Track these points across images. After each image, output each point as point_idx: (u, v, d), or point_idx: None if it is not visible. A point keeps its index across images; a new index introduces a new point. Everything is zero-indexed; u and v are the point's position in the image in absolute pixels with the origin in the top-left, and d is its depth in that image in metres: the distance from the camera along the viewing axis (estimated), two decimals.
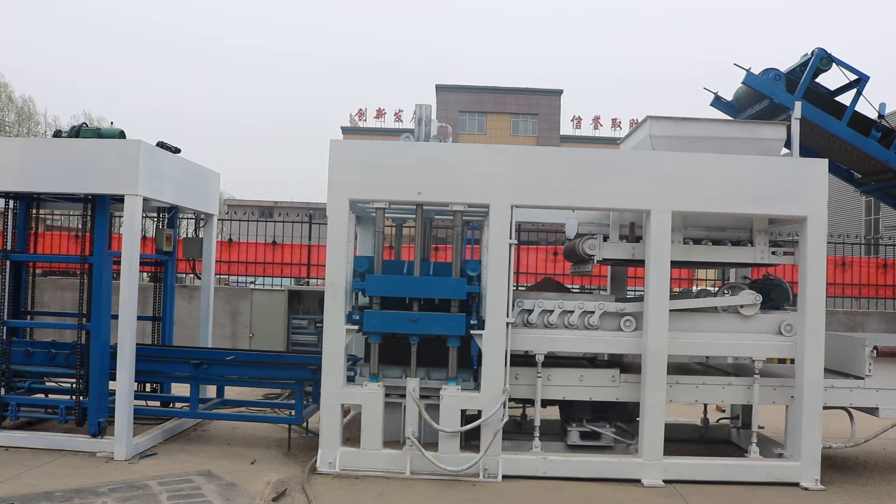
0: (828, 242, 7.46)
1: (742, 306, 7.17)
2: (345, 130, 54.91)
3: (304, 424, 7.89)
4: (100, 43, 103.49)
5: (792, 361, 7.27)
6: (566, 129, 54.07)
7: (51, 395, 8.17)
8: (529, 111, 53.04)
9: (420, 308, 6.95)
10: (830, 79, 8.24)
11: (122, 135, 7.64)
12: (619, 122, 53.13)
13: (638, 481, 6.83)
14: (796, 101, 7.43)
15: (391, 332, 7.01)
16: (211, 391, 8.85)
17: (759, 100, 8.04)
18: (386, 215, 7.35)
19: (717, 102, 8.69)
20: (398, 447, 7.00)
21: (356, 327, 6.96)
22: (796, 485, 6.86)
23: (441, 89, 52.62)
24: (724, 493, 6.63)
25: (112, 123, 8.28)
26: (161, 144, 7.90)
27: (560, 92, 53.65)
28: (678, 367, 7.62)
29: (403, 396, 7.05)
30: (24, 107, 48.71)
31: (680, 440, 8.13)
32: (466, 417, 7.00)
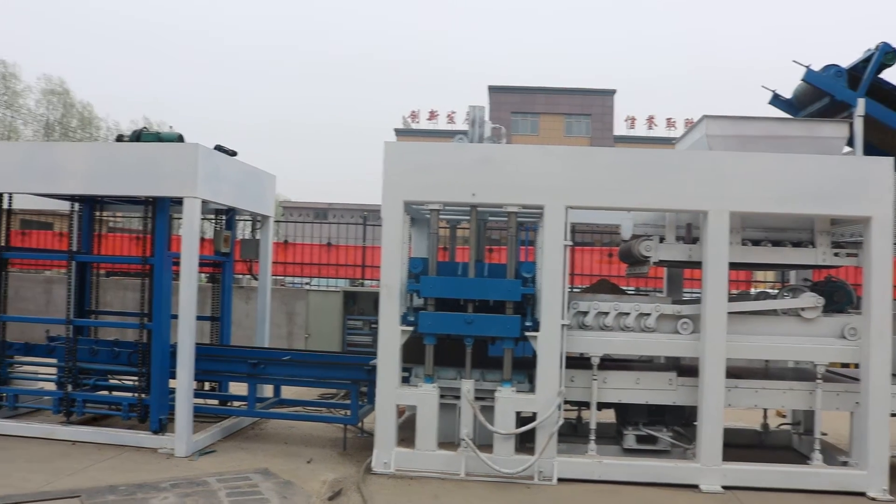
0: (894, 243, 7.23)
1: (803, 309, 7.01)
2: (398, 132, 55.29)
3: (360, 424, 7.96)
4: (143, 52, 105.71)
5: (856, 366, 7.08)
6: (620, 129, 53.64)
7: (114, 392, 8.40)
8: (582, 111, 52.74)
9: (474, 309, 6.95)
10: None
11: (180, 138, 7.79)
12: (674, 122, 52.51)
13: (696, 487, 6.72)
14: (859, 98, 7.23)
15: (446, 334, 7.03)
16: (268, 390, 8.98)
17: (820, 97, 7.84)
18: (440, 217, 7.36)
19: (776, 100, 8.50)
20: (453, 448, 7.01)
21: (411, 328, 6.98)
22: (863, 495, 6.64)
23: (494, 90, 52.64)
24: (785, 501, 6.48)
25: (171, 127, 8.48)
26: (218, 147, 8.04)
27: (613, 92, 53.25)
28: (736, 371, 7.48)
29: (458, 398, 7.06)
30: (84, 112, 50.23)
31: (739, 445, 7.96)
32: (521, 419, 6.98)
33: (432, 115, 54.65)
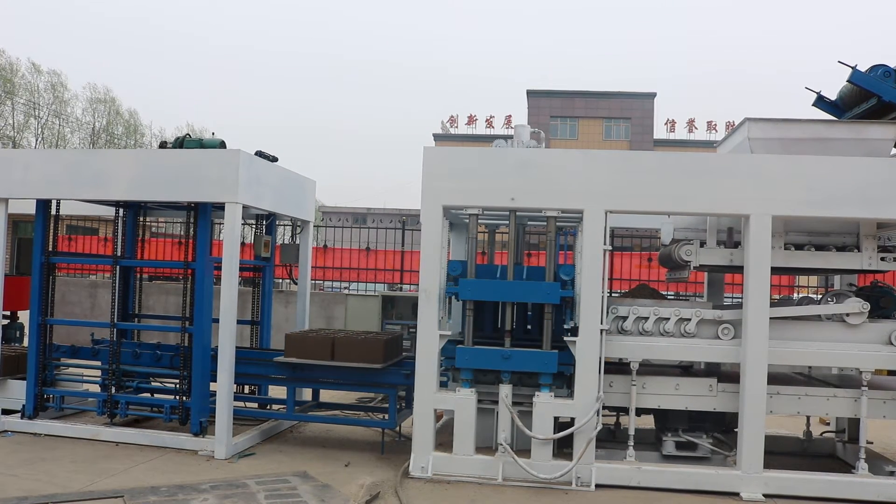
0: None
1: (848, 315, 6.88)
2: (437, 137, 55.37)
3: (398, 428, 7.98)
4: (182, 67, 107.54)
5: None
6: (660, 132, 53.16)
7: (156, 395, 8.54)
8: (622, 115, 52.34)
9: (513, 314, 6.94)
10: None
11: (223, 145, 7.90)
12: (715, 125, 51.82)
13: (736, 495, 6.61)
14: None
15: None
16: (307, 394, 9.05)
17: (866, 98, 7.69)
18: (479, 221, 7.36)
19: (820, 102, 8.34)
20: (490, 453, 6.99)
21: (449, 333, 6.99)
22: None
23: (532, 94, 52.47)
24: None
25: (213, 134, 8.59)
26: (259, 153, 8.13)
27: (653, 95, 52.77)
28: (778, 378, 7.36)
29: (496, 402, 7.05)
30: (130, 119, 51.46)
31: (780, 453, 7.83)
32: (559, 425, 6.94)
33: (471, 120, 54.64)
